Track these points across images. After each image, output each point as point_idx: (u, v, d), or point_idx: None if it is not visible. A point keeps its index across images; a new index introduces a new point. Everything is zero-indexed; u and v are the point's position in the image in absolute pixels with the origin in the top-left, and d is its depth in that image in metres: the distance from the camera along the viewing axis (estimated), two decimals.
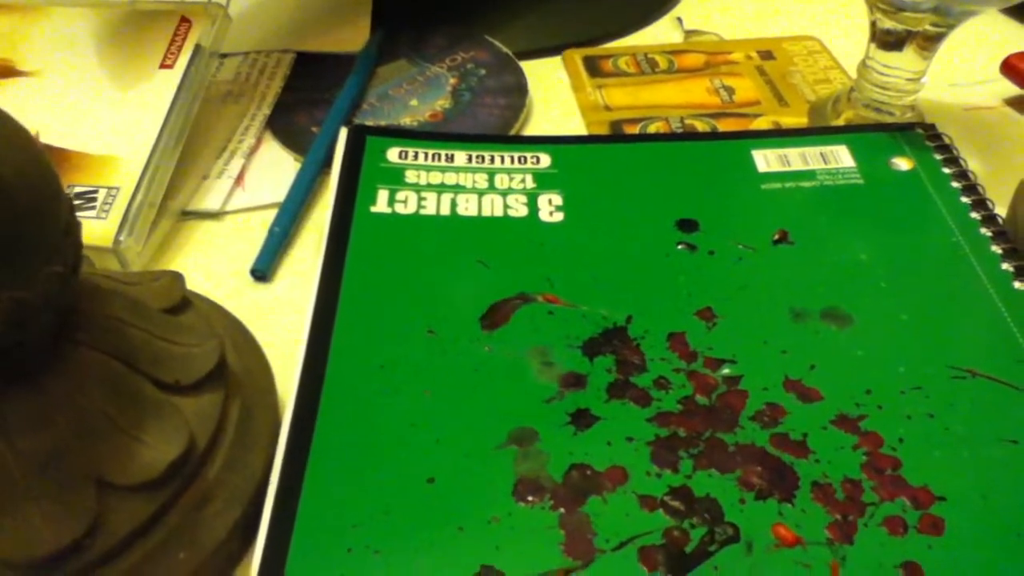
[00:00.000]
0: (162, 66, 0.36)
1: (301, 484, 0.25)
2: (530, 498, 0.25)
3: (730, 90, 0.44)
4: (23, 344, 0.22)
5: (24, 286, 0.20)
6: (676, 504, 0.25)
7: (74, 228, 0.22)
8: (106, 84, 0.36)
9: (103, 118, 0.35)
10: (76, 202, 0.33)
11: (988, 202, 0.35)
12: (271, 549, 0.23)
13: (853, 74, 0.40)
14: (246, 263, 0.34)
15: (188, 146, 0.36)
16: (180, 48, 0.37)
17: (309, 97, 0.42)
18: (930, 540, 0.24)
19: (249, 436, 0.26)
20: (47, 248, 0.21)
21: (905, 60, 0.38)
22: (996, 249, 0.33)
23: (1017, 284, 0.32)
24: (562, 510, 0.25)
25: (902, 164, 0.37)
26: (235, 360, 0.27)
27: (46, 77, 0.36)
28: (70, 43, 0.37)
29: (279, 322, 0.32)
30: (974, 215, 0.35)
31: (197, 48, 0.37)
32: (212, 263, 0.34)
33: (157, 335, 0.25)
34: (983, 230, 0.34)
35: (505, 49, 0.45)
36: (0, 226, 0.19)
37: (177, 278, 0.27)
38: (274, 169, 0.38)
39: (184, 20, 0.38)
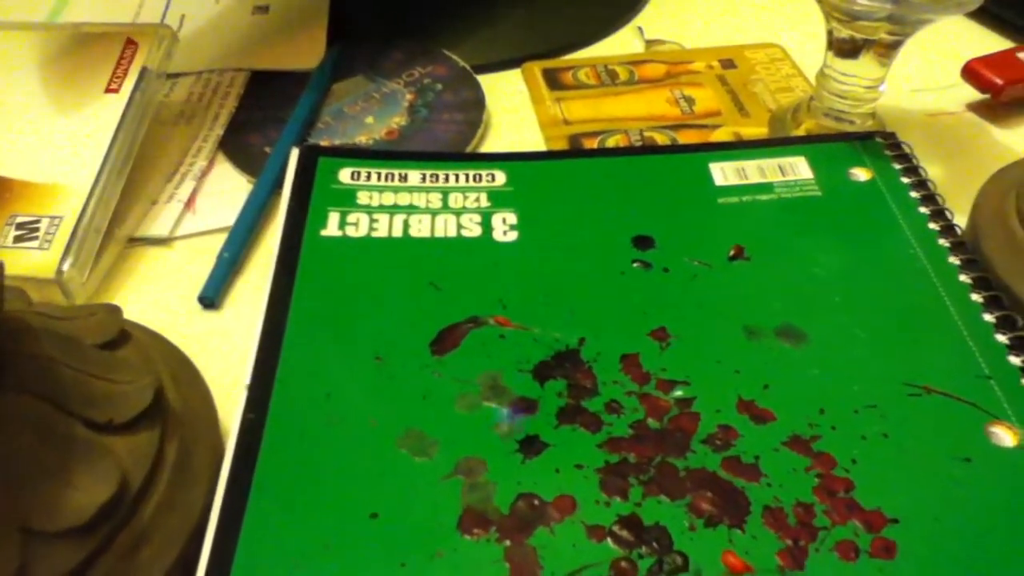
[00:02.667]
0: (107, 90, 0.36)
1: (241, 523, 0.24)
2: (475, 531, 0.25)
3: (690, 100, 0.43)
4: None
5: None
6: (624, 534, 0.24)
7: None
8: (50, 110, 0.35)
9: (47, 145, 0.34)
10: (17, 232, 0.32)
11: (947, 212, 0.35)
12: None
13: (815, 82, 0.40)
14: (195, 290, 0.33)
15: (136, 170, 0.36)
16: (126, 71, 0.36)
17: (263, 116, 0.41)
18: (881, 564, 0.24)
19: (188, 474, 0.25)
20: None
21: (863, 68, 0.38)
22: (954, 260, 0.33)
23: (975, 296, 0.31)
24: (508, 542, 0.24)
25: (861, 175, 0.37)
26: (175, 395, 0.27)
27: None
28: (12, 68, 0.36)
29: (226, 351, 0.32)
30: (932, 225, 0.34)
31: (143, 71, 0.36)
32: (160, 291, 0.34)
33: (90, 373, 0.24)
34: (941, 241, 0.34)
35: (463, 63, 0.44)
36: None
37: (113, 311, 0.27)
38: (226, 192, 0.38)
39: (130, 42, 0.37)
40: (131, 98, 0.35)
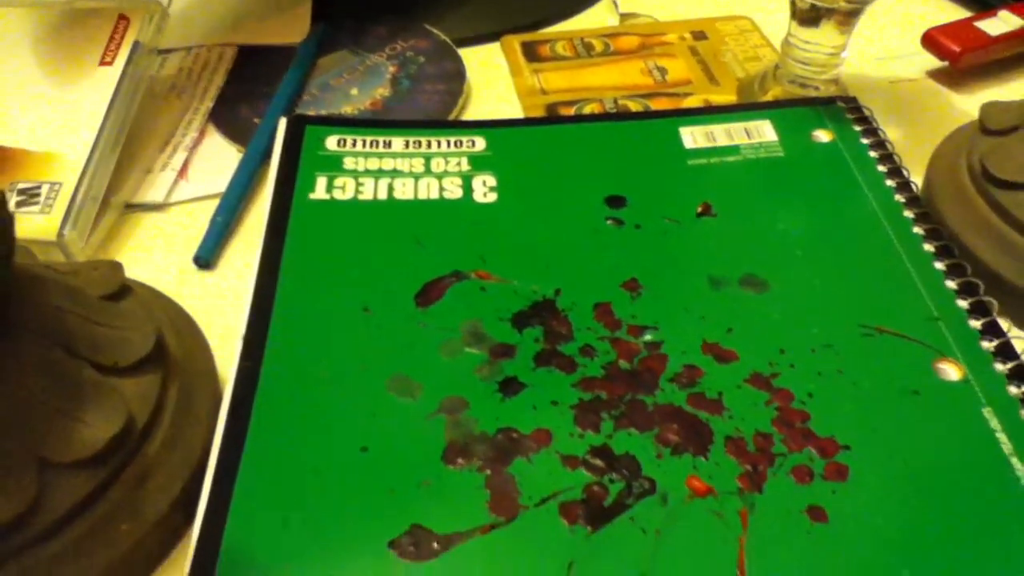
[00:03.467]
0: (101, 63, 0.37)
1: (239, 459, 0.26)
2: (459, 461, 0.26)
3: (663, 71, 0.45)
4: None
5: None
6: (597, 462, 0.26)
7: (7, 222, 0.23)
8: (46, 83, 0.37)
9: (44, 116, 0.36)
10: (19, 198, 0.34)
11: (904, 170, 0.37)
12: (210, 521, 0.25)
13: (780, 50, 0.42)
14: (190, 252, 0.35)
15: (131, 141, 0.37)
16: (119, 45, 0.38)
17: (251, 90, 0.43)
18: (834, 486, 0.26)
19: (189, 415, 0.27)
20: None
21: (824, 36, 0.40)
22: (909, 214, 0.35)
23: (927, 246, 0.33)
24: (489, 471, 0.26)
25: (822, 136, 0.38)
26: (175, 343, 0.28)
27: None
28: (9, 43, 0.38)
29: (221, 307, 0.33)
30: (889, 183, 0.36)
31: (135, 45, 0.38)
32: (156, 253, 0.35)
33: (96, 321, 0.26)
34: (898, 196, 0.36)
35: (444, 37, 0.46)
36: None
37: (115, 266, 0.28)
38: (217, 161, 0.39)
39: (122, 18, 0.39)
40: (124, 71, 0.37)
